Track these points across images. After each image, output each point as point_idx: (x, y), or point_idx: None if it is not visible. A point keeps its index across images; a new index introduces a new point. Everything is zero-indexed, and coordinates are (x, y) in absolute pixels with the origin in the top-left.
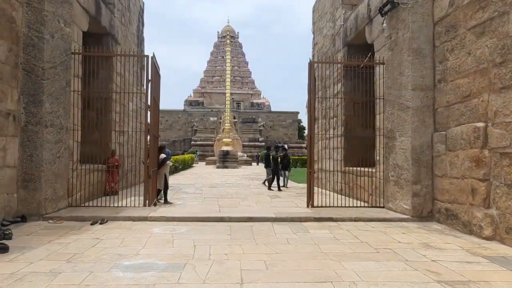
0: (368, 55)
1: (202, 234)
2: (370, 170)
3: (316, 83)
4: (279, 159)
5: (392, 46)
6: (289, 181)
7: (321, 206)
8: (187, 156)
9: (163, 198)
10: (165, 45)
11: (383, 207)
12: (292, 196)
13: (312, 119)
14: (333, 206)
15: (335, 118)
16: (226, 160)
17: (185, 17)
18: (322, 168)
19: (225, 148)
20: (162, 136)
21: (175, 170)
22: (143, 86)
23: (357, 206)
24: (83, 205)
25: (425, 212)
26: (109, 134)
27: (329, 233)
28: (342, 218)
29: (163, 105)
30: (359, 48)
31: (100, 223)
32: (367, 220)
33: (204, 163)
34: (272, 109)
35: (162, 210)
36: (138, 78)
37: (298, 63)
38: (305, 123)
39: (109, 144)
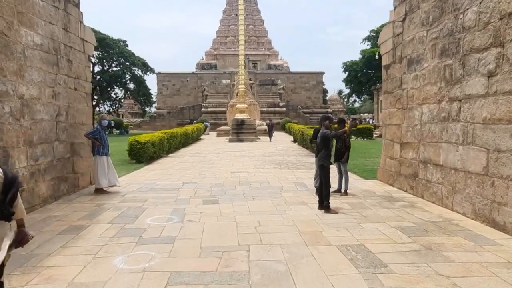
0: None
1: None
2: None
3: None
4: (333, 142)
5: None
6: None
7: None
8: (190, 128)
9: None
10: (180, 11)
11: None
12: (401, 251)
13: None
14: None
15: (476, 55)
16: (241, 131)
17: None
18: (432, 160)
19: (239, 116)
20: (168, 103)
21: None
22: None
23: None
24: None
25: None
26: None
27: None
28: None
29: (170, 68)
30: None
31: None
32: None
33: (216, 133)
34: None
35: None
36: None
37: (316, 23)
38: (327, 84)
39: None
